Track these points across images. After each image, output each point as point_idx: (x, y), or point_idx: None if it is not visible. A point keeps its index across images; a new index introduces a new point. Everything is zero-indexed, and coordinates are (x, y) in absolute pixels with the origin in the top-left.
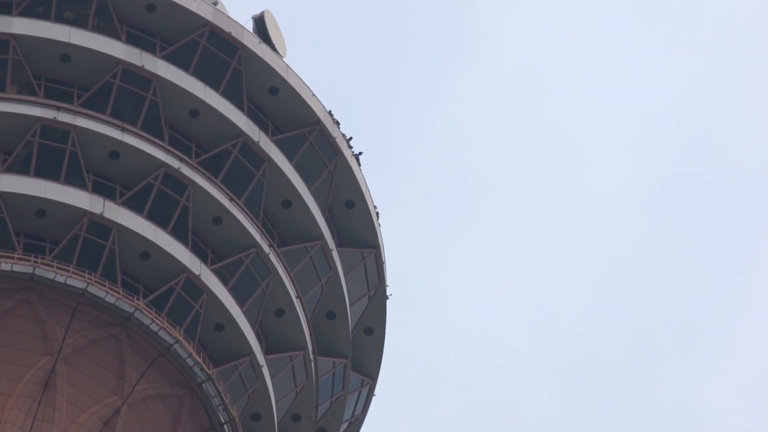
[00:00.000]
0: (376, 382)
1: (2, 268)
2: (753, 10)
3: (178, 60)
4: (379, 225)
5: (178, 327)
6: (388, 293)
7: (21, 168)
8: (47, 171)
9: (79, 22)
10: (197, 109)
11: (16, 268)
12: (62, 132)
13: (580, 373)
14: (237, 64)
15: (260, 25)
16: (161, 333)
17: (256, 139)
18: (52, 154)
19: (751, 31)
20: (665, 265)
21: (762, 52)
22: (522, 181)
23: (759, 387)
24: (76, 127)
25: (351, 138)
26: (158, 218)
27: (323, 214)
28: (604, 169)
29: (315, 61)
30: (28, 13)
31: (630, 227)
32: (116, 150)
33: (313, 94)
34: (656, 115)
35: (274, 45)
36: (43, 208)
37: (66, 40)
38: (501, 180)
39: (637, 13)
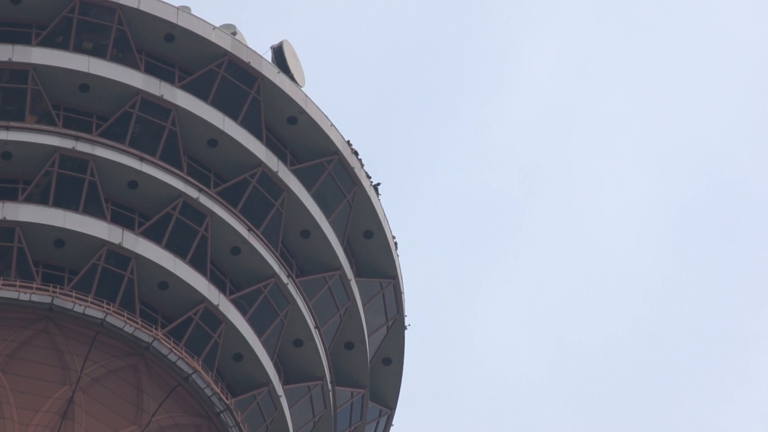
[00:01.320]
0: (394, 412)
1: (21, 298)
2: None
3: (197, 90)
4: (398, 255)
5: (196, 357)
6: (406, 323)
7: (40, 198)
8: (66, 201)
9: (98, 52)
10: (216, 138)
11: (35, 298)
12: (81, 162)
13: (602, 403)
14: (255, 93)
15: (279, 54)
16: (179, 363)
17: (274, 168)
18: (70, 183)
19: None
20: (689, 294)
21: None
22: (542, 210)
23: None
24: (94, 157)
25: (364, 164)
26: (177, 248)
27: (342, 244)
28: (627, 196)
29: (334, 91)
30: (47, 43)
31: (654, 255)
32: (135, 180)
33: (332, 124)
34: (679, 142)
35: (292, 75)
36: (61, 237)
37: (85, 70)
38: (520, 210)
39: (660, 40)
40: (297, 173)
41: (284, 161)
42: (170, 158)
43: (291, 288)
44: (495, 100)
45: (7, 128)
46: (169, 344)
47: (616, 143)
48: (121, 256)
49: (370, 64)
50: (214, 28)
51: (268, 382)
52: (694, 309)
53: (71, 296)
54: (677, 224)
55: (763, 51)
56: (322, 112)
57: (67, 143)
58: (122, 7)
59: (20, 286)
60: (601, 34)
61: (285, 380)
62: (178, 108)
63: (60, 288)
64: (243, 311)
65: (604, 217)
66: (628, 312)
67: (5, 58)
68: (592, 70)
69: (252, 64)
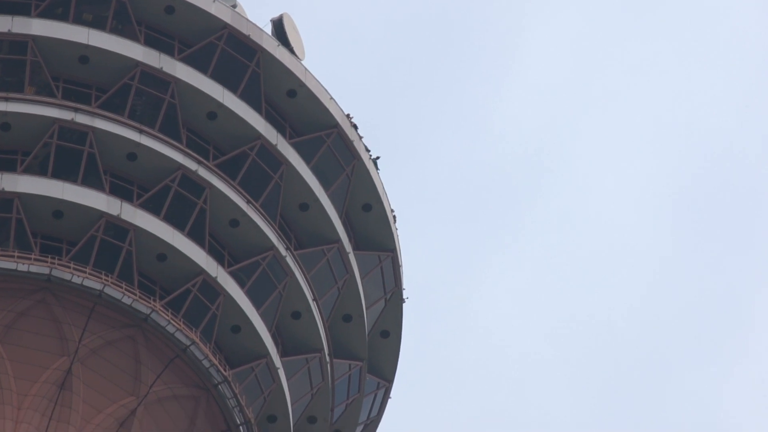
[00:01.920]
0: (392, 384)
1: (19, 268)
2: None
3: (197, 62)
4: (396, 228)
5: (194, 329)
6: (404, 296)
7: (39, 169)
8: (65, 172)
9: (97, 24)
10: (215, 111)
11: (33, 268)
12: (80, 133)
13: (601, 381)
14: (255, 66)
15: (279, 28)
16: (177, 334)
17: (273, 141)
18: (69, 155)
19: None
20: (689, 272)
21: None
22: (544, 187)
23: None
24: (94, 129)
25: (363, 137)
26: (175, 220)
27: (340, 217)
28: (629, 176)
29: (333, 65)
30: (47, 14)
31: (654, 235)
32: (134, 152)
33: (331, 98)
34: (676, 121)
35: (292, 48)
36: (60, 209)
37: (84, 41)
38: (521, 187)
39: (662, 19)
40: (296, 146)
41: (283, 134)
42: (169, 131)
43: (289, 260)
44: (499, 76)
45: (6, 99)
46: (168, 316)
47: (619, 123)
48: (119, 228)
49: (370, 38)
50: (214, 0)
51: (266, 354)
52: (694, 286)
53: (69, 267)
54: (677, 204)
55: (762, 28)
56: (322, 86)
57: (66, 115)
58: None
59: (18, 257)
60: (604, 12)
61: (283, 352)
62: (177, 80)
63: (58, 259)
64: (241, 283)
65: (605, 197)
66: (629, 290)
67: (5, 29)
68: (596, 49)
69: (252, 37)
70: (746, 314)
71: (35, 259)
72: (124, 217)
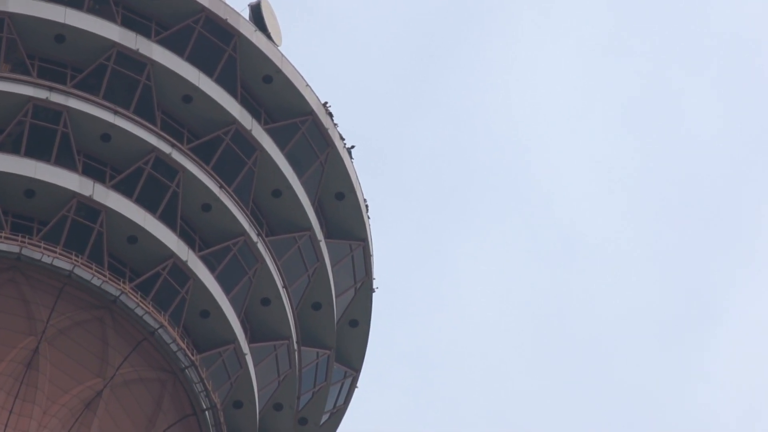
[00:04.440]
0: (359, 374)
1: None
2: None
3: (173, 45)
4: (369, 218)
5: (163, 312)
6: (374, 286)
7: (11, 147)
8: (38, 151)
9: (74, 3)
10: (190, 95)
11: (3, 247)
12: (54, 113)
13: (575, 370)
14: (232, 51)
15: (256, 13)
16: (146, 317)
17: (248, 127)
18: (43, 134)
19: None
20: (663, 264)
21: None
22: (513, 176)
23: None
24: (68, 108)
25: (337, 125)
26: (147, 203)
27: (313, 204)
28: (603, 161)
29: (310, 52)
30: None
31: (625, 224)
32: (108, 133)
33: (307, 84)
34: (641, 111)
35: (269, 33)
36: (32, 188)
37: (61, 20)
38: (492, 175)
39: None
40: (271, 132)
41: (258, 120)
42: (144, 113)
43: (260, 247)
44: (474, 67)
45: None
46: (137, 298)
47: (587, 108)
48: (91, 209)
49: (347, 25)
50: None
51: (234, 339)
52: (668, 276)
53: (40, 247)
54: (649, 194)
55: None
56: (298, 72)
57: (41, 93)
58: None
59: None
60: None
61: (251, 338)
62: (153, 62)
63: (29, 238)
64: (212, 268)
65: (575, 184)
66: (600, 277)
67: None
68: (570, 37)
69: (229, 21)
70: (728, 307)
71: (5, 238)
72: (96, 198)
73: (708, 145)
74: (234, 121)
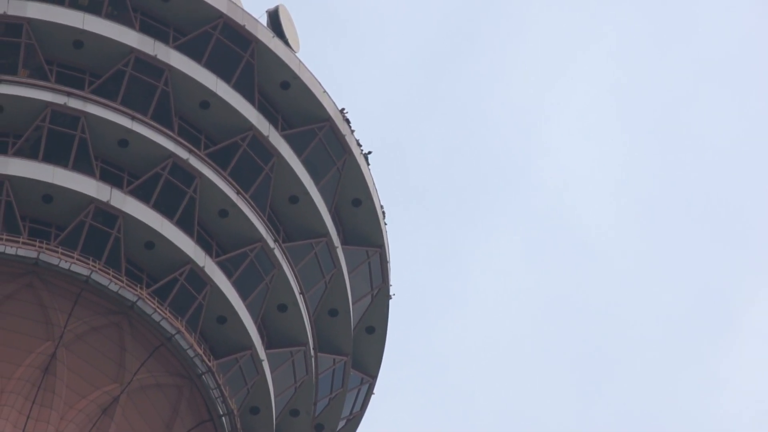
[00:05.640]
0: (375, 380)
1: (7, 251)
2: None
3: (191, 51)
4: (385, 224)
5: (180, 318)
6: (391, 293)
7: (30, 152)
8: (56, 157)
9: (93, 9)
10: (208, 100)
11: (21, 252)
12: (72, 118)
13: (593, 373)
14: (249, 57)
15: (274, 19)
16: (163, 323)
17: (265, 133)
18: (61, 139)
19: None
20: (678, 268)
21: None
22: (528, 181)
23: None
24: (86, 114)
25: (354, 131)
26: (165, 208)
27: (330, 211)
28: (617, 165)
29: (328, 58)
30: None
31: (640, 227)
32: (125, 138)
33: (325, 91)
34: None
35: (287, 40)
36: (50, 193)
37: (80, 26)
38: (506, 180)
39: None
40: (288, 138)
41: (275, 126)
42: (161, 118)
43: (277, 253)
44: (490, 74)
45: (0, 81)
46: (154, 304)
47: (596, 112)
48: (108, 214)
49: (365, 32)
50: None
51: (251, 345)
52: (682, 282)
53: (57, 252)
54: (659, 200)
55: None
56: (316, 79)
57: (59, 99)
58: None
59: (6, 240)
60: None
61: (268, 344)
62: (171, 68)
63: (46, 243)
64: (228, 274)
65: (588, 189)
66: (616, 280)
67: (0, 12)
68: (579, 42)
69: (247, 27)
70: (740, 313)
71: (23, 243)
72: (113, 203)
73: (723, 148)
74: (251, 127)
